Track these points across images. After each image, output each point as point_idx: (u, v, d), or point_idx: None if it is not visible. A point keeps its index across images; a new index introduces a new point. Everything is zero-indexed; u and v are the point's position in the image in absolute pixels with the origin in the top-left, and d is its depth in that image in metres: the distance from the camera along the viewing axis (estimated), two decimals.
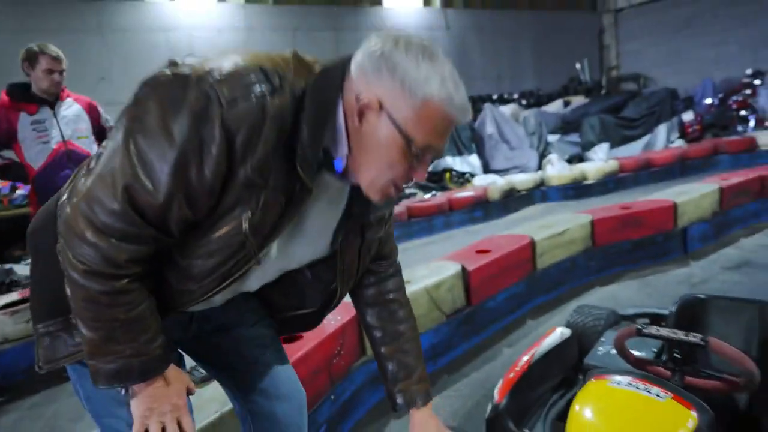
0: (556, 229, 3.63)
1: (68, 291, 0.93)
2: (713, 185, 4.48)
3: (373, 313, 1.26)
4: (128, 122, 0.85)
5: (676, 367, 1.44)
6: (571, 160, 8.21)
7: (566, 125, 9.41)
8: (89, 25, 8.64)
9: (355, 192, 1.04)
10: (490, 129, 8.49)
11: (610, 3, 15.14)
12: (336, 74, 0.92)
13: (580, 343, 2.31)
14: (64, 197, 0.99)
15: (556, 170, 7.12)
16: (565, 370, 2.22)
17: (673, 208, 4.05)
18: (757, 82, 10.12)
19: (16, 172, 3.07)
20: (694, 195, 4.25)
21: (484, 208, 6.34)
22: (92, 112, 3.27)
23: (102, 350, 0.94)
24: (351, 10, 11.71)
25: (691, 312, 1.91)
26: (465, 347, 2.89)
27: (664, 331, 1.45)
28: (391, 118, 0.88)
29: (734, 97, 10.04)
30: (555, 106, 11.10)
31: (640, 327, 1.51)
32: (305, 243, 1.06)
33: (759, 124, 9.59)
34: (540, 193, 6.97)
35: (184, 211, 0.86)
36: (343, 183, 1.01)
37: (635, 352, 1.67)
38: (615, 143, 8.46)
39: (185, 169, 0.82)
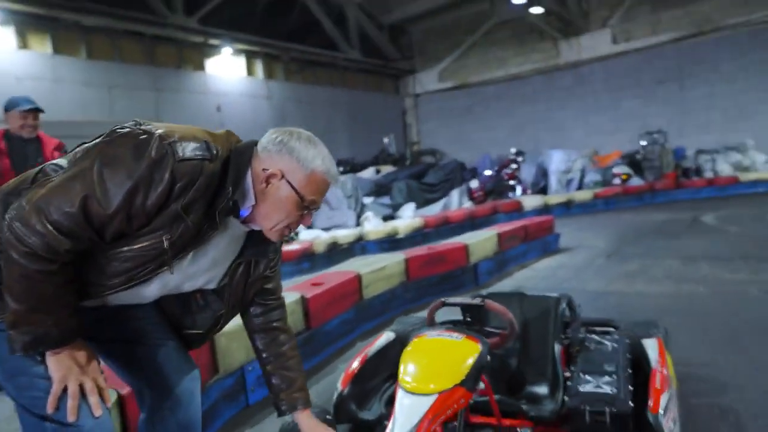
0: (377, 265, 4.22)
1: (4, 269, 1.12)
2: (493, 231, 5.62)
3: (260, 338, 1.57)
4: (98, 154, 1.14)
5: (467, 328, 2.01)
6: (385, 219, 9.22)
7: (379, 189, 10.55)
8: None
9: (251, 236, 1.40)
10: None
11: (410, 89, 17.59)
12: (247, 152, 1.29)
13: (402, 344, 2.81)
14: (10, 199, 1.18)
15: (373, 226, 7.96)
16: (393, 365, 2.69)
17: (466, 248, 4.99)
18: (520, 159, 12.69)
19: None
20: (480, 238, 5.29)
21: (310, 260, 6.77)
22: None
23: (25, 320, 1.13)
24: (173, 73, 11.66)
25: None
26: (306, 365, 3.19)
27: (459, 299, 2.03)
28: (289, 183, 1.26)
29: (505, 170, 12.40)
30: (368, 173, 12.33)
31: (444, 300, 2.07)
32: (204, 267, 1.36)
33: (523, 191, 11.98)
34: (360, 246, 7.67)
35: (122, 225, 1.14)
36: (244, 229, 1.36)
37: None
38: (420, 204, 9.78)
39: (134, 196, 1.11)
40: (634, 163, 12.62)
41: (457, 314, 2.16)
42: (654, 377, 2.00)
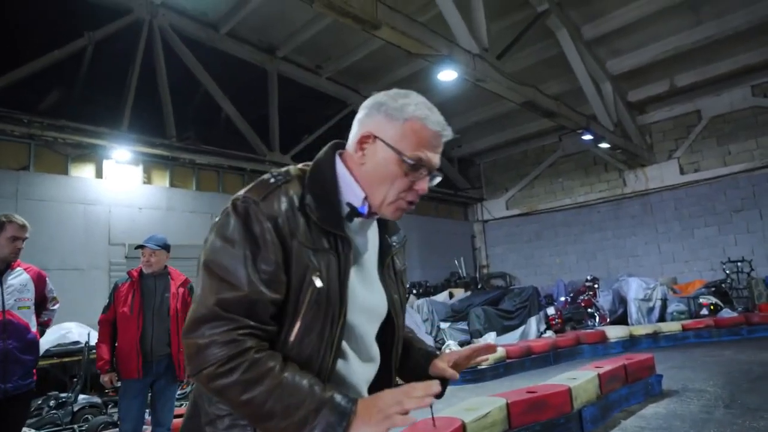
0: (480, 412, 3.73)
1: (238, 409, 0.97)
2: (593, 372, 4.96)
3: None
4: (204, 256, 1.04)
5: None
6: (461, 345, 8.63)
7: (455, 314, 10.06)
8: (5, 192, 8.17)
9: (379, 228, 1.23)
10: None
11: (478, 215, 17.58)
12: (328, 152, 1.15)
13: None
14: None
15: None
16: None
17: (569, 392, 4.38)
18: (595, 285, 11.89)
19: None
20: (581, 380, 4.65)
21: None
22: (40, 282, 3.03)
23: (292, 418, 0.93)
24: None
25: None
26: None
27: None
28: (382, 140, 1.08)
29: (581, 297, 11.59)
30: (442, 296, 11.92)
31: None
32: (368, 288, 1.15)
33: (601, 319, 11.02)
34: None
35: (271, 295, 0.99)
36: (372, 224, 1.20)
37: None
38: (498, 331, 9.14)
39: (254, 259, 0.98)
40: (721, 292, 11.46)
41: None
42: None
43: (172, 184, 10.68)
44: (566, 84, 12.21)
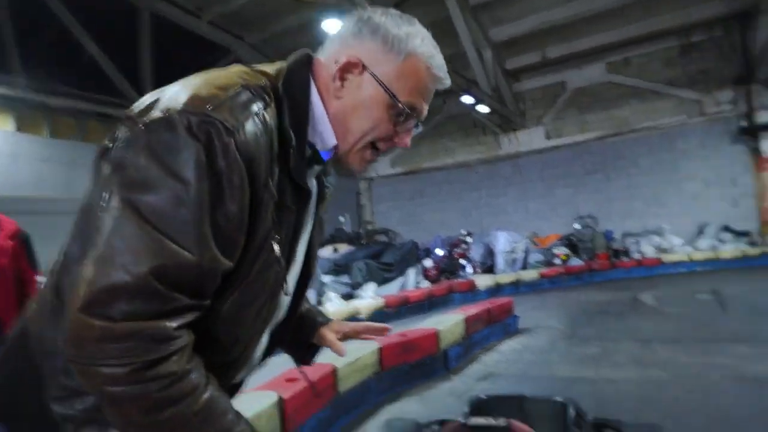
0: (351, 357, 3.87)
1: (130, 427, 0.69)
2: (460, 316, 5.40)
3: None
4: (123, 190, 0.68)
5: None
6: (344, 297, 8.84)
7: (338, 268, 10.22)
8: None
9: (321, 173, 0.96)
10: None
11: (364, 172, 17.77)
12: (301, 69, 0.86)
13: None
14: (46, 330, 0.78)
15: (335, 306, 7.57)
16: None
17: (437, 335, 4.73)
18: (469, 239, 12.80)
19: None
20: (449, 324, 5.05)
21: None
22: None
23: None
24: None
25: (479, 409, 2.30)
26: None
27: (481, 420, 1.76)
28: (373, 75, 0.82)
29: (456, 250, 12.42)
30: (326, 252, 12.00)
31: (463, 422, 1.80)
32: (302, 245, 0.93)
33: (473, 270, 11.97)
34: None
35: (225, 263, 0.72)
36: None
37: None
38: (378, 283, 9.49)
39: (212, 210, 0.69)
40: (572, 245, 13.02)
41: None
42: None
43: (19, 129, 9.27)
44: (451, 48, 12.51)
